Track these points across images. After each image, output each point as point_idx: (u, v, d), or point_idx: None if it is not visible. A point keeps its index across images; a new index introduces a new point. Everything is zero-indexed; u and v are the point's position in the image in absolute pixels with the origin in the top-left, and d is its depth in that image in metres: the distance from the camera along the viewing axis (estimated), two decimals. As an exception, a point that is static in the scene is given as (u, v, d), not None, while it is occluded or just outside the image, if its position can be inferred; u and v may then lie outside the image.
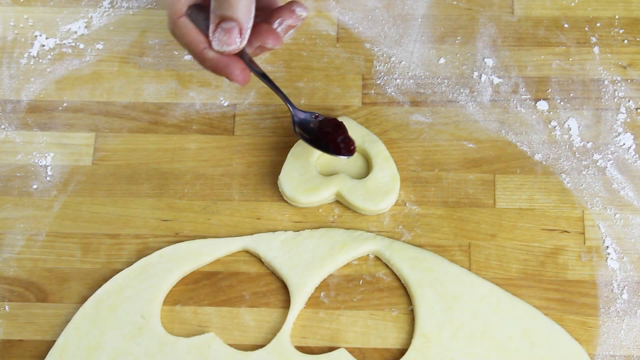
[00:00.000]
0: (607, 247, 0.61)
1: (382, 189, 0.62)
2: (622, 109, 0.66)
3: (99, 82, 0.68)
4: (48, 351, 0.58)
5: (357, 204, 0.62)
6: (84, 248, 0.62)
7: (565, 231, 0.62)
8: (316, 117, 0.62)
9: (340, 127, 0.61)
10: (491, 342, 0.58)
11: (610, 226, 0.62)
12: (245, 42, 0.56)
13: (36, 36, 0.70)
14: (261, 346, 0.58)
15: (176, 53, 0.69)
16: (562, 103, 0.66)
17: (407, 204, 0.63)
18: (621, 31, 0.69)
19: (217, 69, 0.57)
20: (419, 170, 0.64)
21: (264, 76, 0.59)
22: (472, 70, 0.68)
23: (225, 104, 0.67)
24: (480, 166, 0.64)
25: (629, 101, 0.67)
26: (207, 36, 0.57)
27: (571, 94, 0.67)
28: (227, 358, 0.58)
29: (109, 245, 0.62)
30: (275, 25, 0.59)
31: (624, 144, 0.65)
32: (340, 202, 0.63)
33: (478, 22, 0.70)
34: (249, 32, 0.56)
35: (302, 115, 0.62)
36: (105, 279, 0.60)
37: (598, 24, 0.69)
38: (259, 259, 0.61)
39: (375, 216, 0.63)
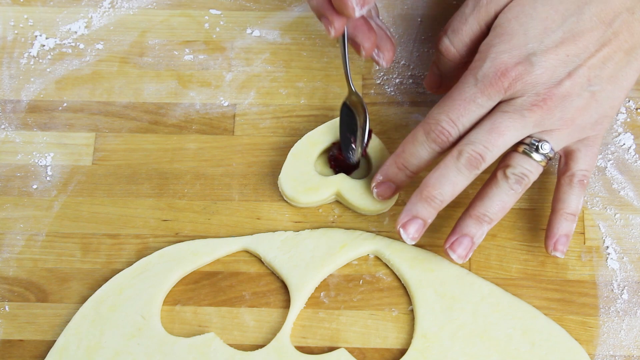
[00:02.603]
0: (607, 247, 0.61)
1: (382, 189, 0.62)
2: (622, 109, 0.66)
3: (99, 82, 0.68)
4: (48, 351, 0.58)
5: (357, 204, 0.62)
6: (84, 248, 0.62)
7: (565, 231, 0.62)
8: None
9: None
10: (491, 342, 0.58)
11: (610, 226, 0.62)
12: (358, 12, 0.56)
13: (36, 36, 0.70)
14: (261, 346, 0.58)
15: (176, 53, 0.69)
16: (562, 103, 0.66)
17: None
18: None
19: (323, 9, 0.57)
20: (419, 170, 0.64)
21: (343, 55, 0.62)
22: (472, 70, 0.68)
23: (225, 104, 0.67)
24: (480, 166, 0.64)
25: (629, 101, 0.67)
26: None
27: (571, 94, 0.67)
28: (227, 358, 0.58)
29: (109, 245, 0.62)
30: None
31: (624, 144, 0.65)
32: (340, 202, 0.63)
33: (478, 22, 0.69)
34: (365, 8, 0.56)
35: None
36: (105, 279, 0.61)
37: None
38: (259, 259, 0.61)
39: (375, 216, 0.63)
